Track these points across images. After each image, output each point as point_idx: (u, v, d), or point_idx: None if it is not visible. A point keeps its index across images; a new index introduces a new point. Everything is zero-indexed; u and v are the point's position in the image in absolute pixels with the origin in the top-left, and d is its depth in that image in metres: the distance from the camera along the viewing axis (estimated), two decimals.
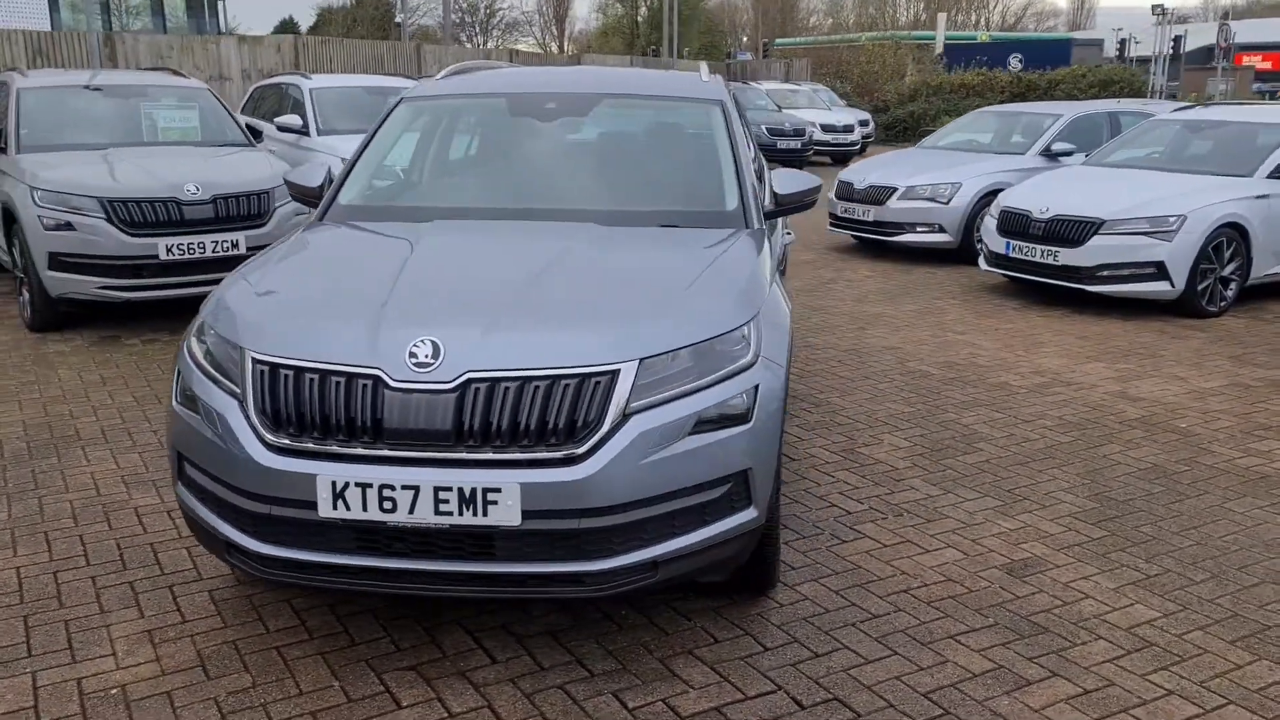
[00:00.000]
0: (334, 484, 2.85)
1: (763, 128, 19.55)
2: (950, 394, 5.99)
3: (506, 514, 2.82)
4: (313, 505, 2.88)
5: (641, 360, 2.93)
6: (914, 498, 4.51)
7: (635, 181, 4.22)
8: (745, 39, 76.68)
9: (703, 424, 2.97)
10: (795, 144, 19.89)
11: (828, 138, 21.80)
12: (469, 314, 3.06)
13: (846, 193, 10.62)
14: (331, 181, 4.27)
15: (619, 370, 2.89)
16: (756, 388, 3.11)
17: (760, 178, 5.18)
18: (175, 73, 9.54)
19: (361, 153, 4.35)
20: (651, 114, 4.57)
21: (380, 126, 4.47)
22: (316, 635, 3.37)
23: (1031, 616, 3.52)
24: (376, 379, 2.87)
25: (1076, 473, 4.81)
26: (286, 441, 2.91)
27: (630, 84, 4.73)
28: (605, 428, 2.85)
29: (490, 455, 2.83)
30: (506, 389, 2.84)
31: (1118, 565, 3.90)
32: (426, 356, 2.87)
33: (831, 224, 10.94)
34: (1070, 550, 4.02)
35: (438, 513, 2.83)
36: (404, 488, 2.82)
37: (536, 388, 2.85)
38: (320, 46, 15.51)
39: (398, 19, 46.42)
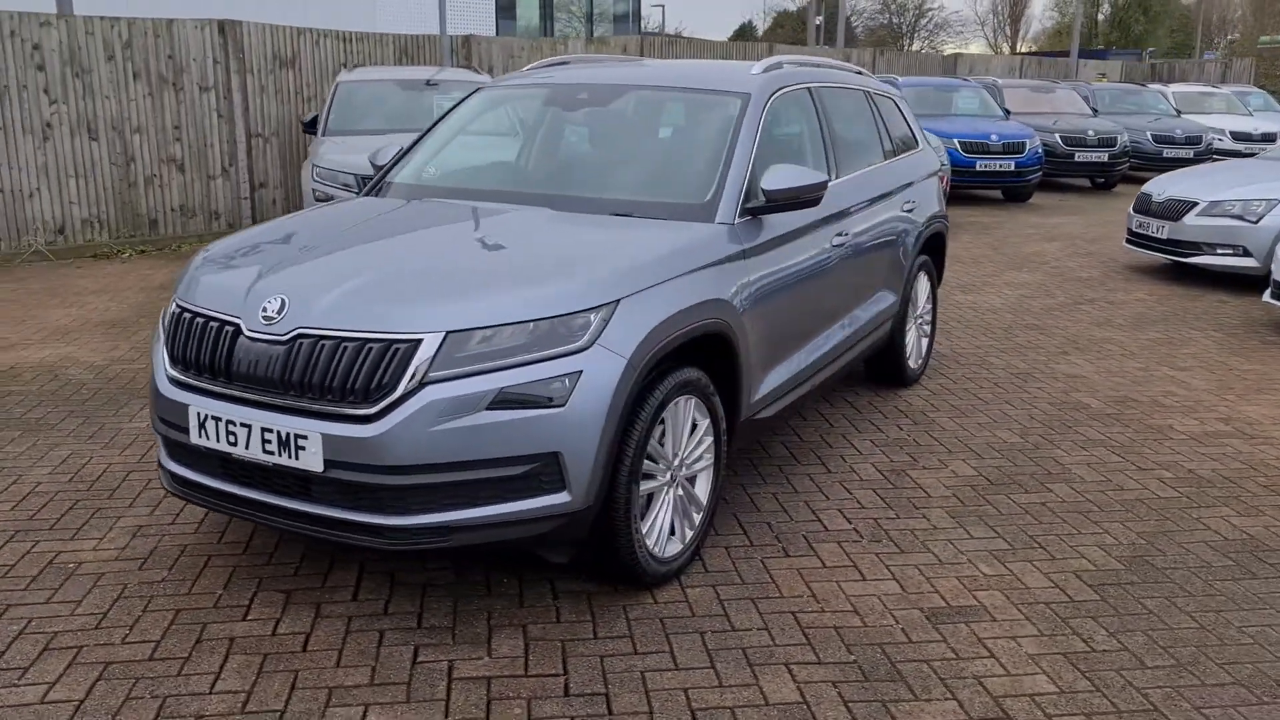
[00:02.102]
0: (198, 414, 3.30)
1: (1147, 134, 17.64)
2: (1085, 430, 5.30)
3: (312, 460, 3.11)
4: (187, 431, 3.35)
5: (448, 333, 3.06)
6: (913, 526, 4.14)
7: (613, 170, 4.26)
8: (1231, 37, 68.51)
9: (506, 401, 3.05)
10: (1187, 153, 17.67)
11: (1238, 147, 19.11)
12: (329, 278, 3.35)
13: (1144, 205, 9.45)
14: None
15: (421, 340, 3.05)
16: (579, 373, 3.12)
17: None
18: (474, 70, 10.65)
19: (424, 135, 4.78)
20: (668, 105, 4.55)
21: (450, 111, 4.88)
22: (250, 552, 3.86)
23: (901, 664, 3.18)
24: (237, 327, 3.28)
25: (1139, 531, 4.13)
26: (177, 374, 3.41)
27: (665, 76, 4.72)
28: (398, 392, 3.04)
29: (303, 404, 3.13)
30: (324, 346, 3.12)
31: (1067, 632, 3.37)
32: (274, 311, 3.22)
33: (1127, 240, 9.78)
34: (1029, 607, 3.52)
35: (264, 451, 3.18)
36: (242, 425, 3.21)
37: (346, 348, 3.10)
38: (666, 45, 16.34)
39: (816, 21, 46.94)
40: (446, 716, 2.89)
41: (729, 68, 4.78)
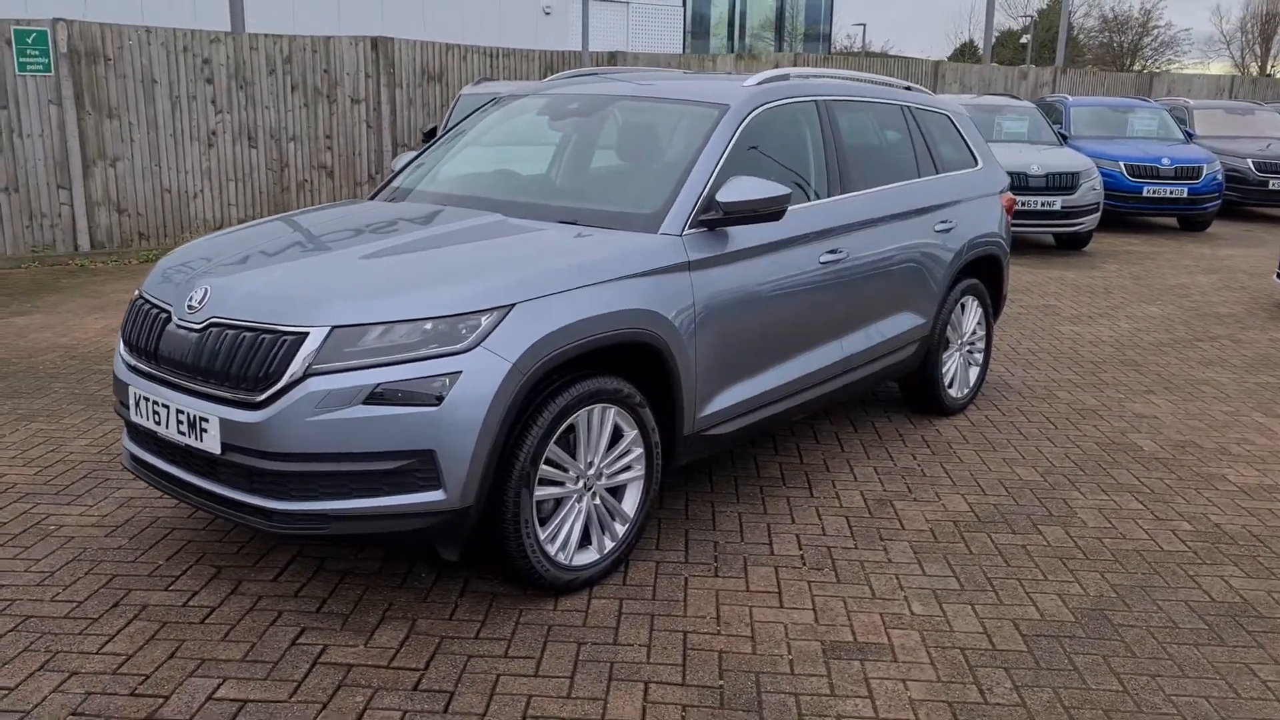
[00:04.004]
0: (134, 393, 3.55)
1: None
2: (1119, 474, 4.88)
3: (212, 443, 3.28)
4: (129, 409, 3.60)
5: (334, 328, 3.17)
6: (866, 558, 3.93)
7: (574, 178, 4.26)
8: None
9: (381, 397, 3.12)
10: None
11: None
12: (255, 274, 3.52)
13: None
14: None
15: (308, 333, 3.17)
16: (459, 374, 3.16)
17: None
18: None
19: (433, 143, 4.94)
20: (650, 116, 4.50)
21: (467, 117, 5.03)
22: (210, 529, 4.09)
23: (768, 694, 3.04)
24: (169, 314, 3.50)
25: (1115, 583, 3.78)
26: (125, 356, 3.67)
27: (661, 89, 4.65)
28: (282, 382, 3.16)
29: (209, 389, 3.30)
30: (227, 335, 3.29)
31: (967, 681, 3.13)
32: (197, 301, 3.42)
33: (1278, 274, 8.90)
34: (941, 651, 3.29)
35: (179, 432, 3.38)
36: (163, 405, 3.42)
37: (245, 337, 3.25)
38: (818, 63, 16.12)
39: (1023, 40, 44.97)
40: (291, 696, 2.98)
41: (727, 81, 4.69)
